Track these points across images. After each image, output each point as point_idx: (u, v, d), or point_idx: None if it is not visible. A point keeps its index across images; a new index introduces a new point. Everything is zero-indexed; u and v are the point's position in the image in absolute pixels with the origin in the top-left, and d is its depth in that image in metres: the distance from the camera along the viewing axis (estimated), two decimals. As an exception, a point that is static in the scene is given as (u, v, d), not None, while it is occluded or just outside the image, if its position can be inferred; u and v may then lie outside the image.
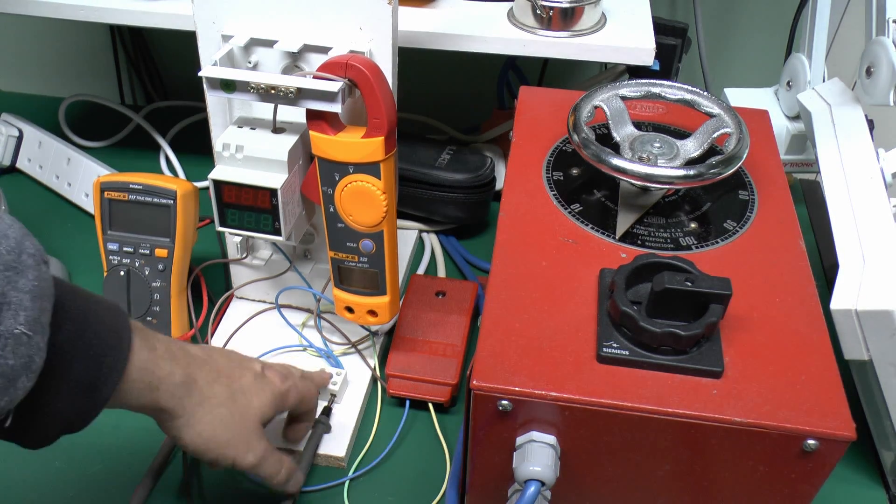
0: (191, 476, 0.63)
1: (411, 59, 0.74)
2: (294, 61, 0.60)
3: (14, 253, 0.37)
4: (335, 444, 0.65)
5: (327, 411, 0.66)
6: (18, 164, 0.94)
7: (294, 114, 0.60)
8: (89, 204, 0.88)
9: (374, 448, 0.66)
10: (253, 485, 0.63)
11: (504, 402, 0.46)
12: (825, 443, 0.43)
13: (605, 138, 0.60)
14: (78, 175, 0.89)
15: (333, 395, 0.67)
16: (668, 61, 0.85)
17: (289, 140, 0.60)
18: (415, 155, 0.86)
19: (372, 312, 0.65)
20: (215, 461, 0.52)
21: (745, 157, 0.56)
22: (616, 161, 0.54)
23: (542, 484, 0.46)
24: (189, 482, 0.63)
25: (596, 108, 0.60)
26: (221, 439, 0.51)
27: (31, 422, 0.43)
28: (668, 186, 0.57)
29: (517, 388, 0.45)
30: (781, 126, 0.88)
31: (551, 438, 0.47)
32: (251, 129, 0.61)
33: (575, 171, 0.61)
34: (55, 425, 0.44)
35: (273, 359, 0.72)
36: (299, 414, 0.61)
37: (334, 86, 0.53)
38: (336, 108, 0.54)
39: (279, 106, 0.59)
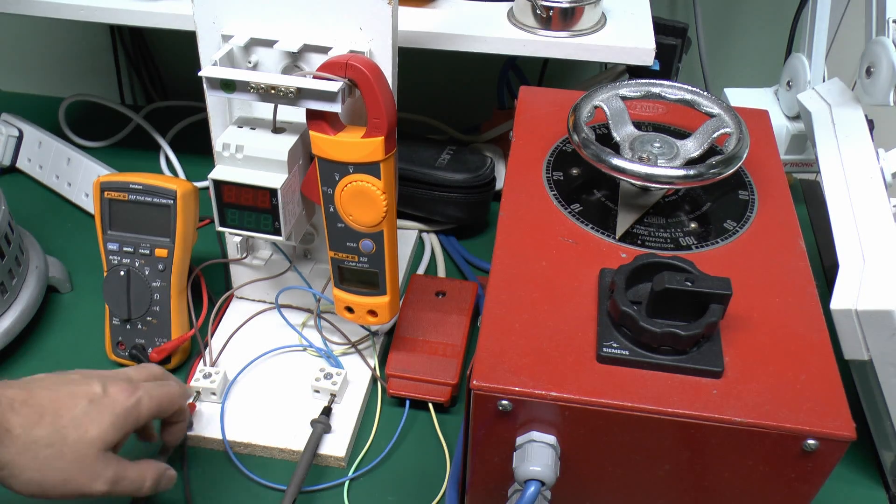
0: (189, 475, 0.63)
1: (411, 59, 0.74)
2: (294, 61, 0.60)
3: None
4: (335, 444, 0.65)
5: (327, 411, 0.66)
6: (18, 164, 0.94)
7: (294, 114, 0.60)
8: (89, 204, 0.88)
9: (374, 448, 0.66)
10: (252, 484, 0.63)
11: (504, 402, 0.46)
12: (825, 443, 0.43)
13: (605, 138, 0.60)
14: (78, 175, 0.89)
15: (333, 395, 0.67)
16: (668, 61, 0.85)
17: (289, 140, 0.60)
18: (415, 155, 0.86)
19: (372, 312, 0.65)
20: (61, 499, 0.50)
21: (745, 157, 0.55)
22: (616, 161, 0.54)
23: (542, 484, 0.46)
24: (188, 480, 0.63)
25: (596, 108, 0.60)
26: (56, 480, 0.48)
27: None
28: (668, 186, 0.57)
29: (517, 388, 0.45)
30: (781, 126, 0.88)
31: (551, 438, 0.47)
32: (251, 129, 0.61)
33: (575, 171, 0.61)
34: None
35: (273, 359, 0.72)
36: (168, 417, 0.58)
37: (334, 86, 0.53)
38: (336, 108, 0.54)
39: (279, 106, 0.59)
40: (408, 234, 0.86)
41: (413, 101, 0.93)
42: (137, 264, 0.69)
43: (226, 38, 0.59)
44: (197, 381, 0.67)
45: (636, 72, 0.84)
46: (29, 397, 0.49)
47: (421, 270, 0.83)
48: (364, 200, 0.58)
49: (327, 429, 0.65)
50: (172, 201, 0.68)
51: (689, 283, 0.45)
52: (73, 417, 0.49)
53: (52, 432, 0.48)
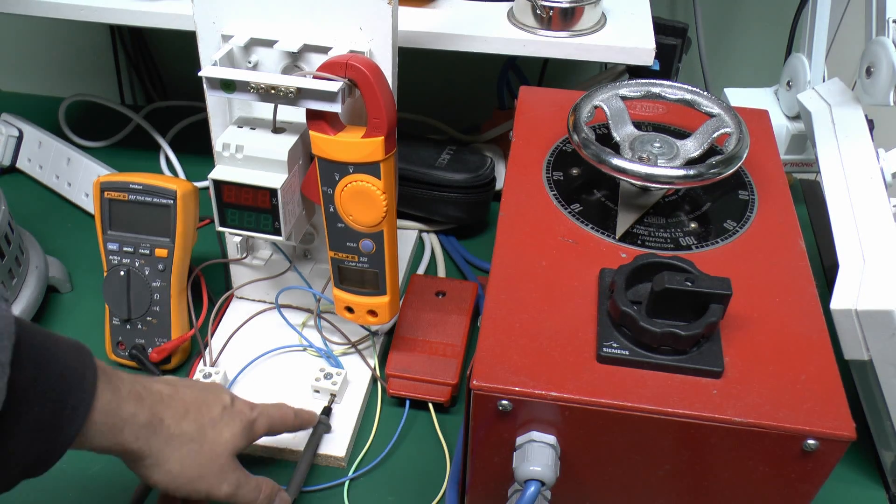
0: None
1: (411, 59, 0.74)
2: (294, 61, 0.60)
3: None
4: (335, 444, 0.65)
5: (327, 411, 0.66)
6: (18, 164, 0.95)
7: (294, 114, 0.60)
8: (89, 204, 0.88)
9: (374, 448, 0.66)
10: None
11: (504, 402, 0.46)
12: (825, 443, 0.43)
13: (605, 138, 0.60)
14: (78, 175, 0.89)
15: (333, 395, 0.67)
16: (668, 61, 0.85)
17: (289, 140, 0.60)
18: (415, 155, 0.86)
19: (372, 312, 0.65)
20: (188, 497, 0.51)
21: (745, 157, 0.56)
22: (616, 161, 0.54)
23: (542, 484, 0.46)
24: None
25: (596, 108, 0.60)
26: (192, 475, 0.50)
27: None
28: (668, 186, 0.57)
29: (517, 388, 0.45)
30: (781, 126, 0.88)
31: (551, 438, 0.47)
32: (251, 129, 0.61)
33: (575, 171, 0.61)
34: (13, 469, 0.42)
35: (273, 359, 0.72)
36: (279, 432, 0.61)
37: (334, 86, 0.53)
38: (336, 108, 0.54)
39: (279, 106, 0.59)
40: (408, 234, 0.86)
41: (413, 101, 0.93)
42: (137, 264, 0.69)
43: (226, 38, 0.59)
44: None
45: (636, 72, 0.84)
46: (175, 394, 0.51)
47: (421, 270, 0.83)
48: (364, 200, 0.58)
49: (327, 429, 0.65)
50: (172, 201, 0.68)
51: (689, 283, 0.45)
52: (211, 418, 0.52)
53: (196, 428, 0.51)
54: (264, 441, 0.64)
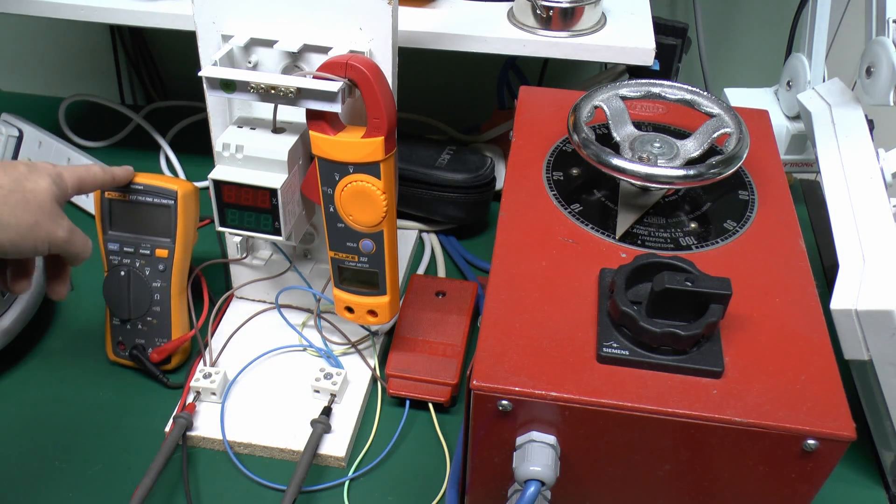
0: (189, 475, 0.63)
1: (411, 59, 0.74)
2: (294, 61, 0.60)
3: None
4: (335, 444, 0.65)
5: (327, 411, 0.66)
6: (18, 164, 0.94)
7: (294, 114, 0.60)
8: (89, 204, 0.88)
9: (374, 448, 0.66)
10: (252, 484, 0.63)
11: (504, 402, 0.46)
12: (825, 443, 0.43)
13: (605, 138, 0.60)
14: (78, 175, 0.89)
15: (333, 395, 0.67)
16: (668, 61, 0.85)
17: (289, 140, 0.60)
18: (415, 155, 0.86)
19: (372, 312, 0.65)
20: (34, 249, 0.54)
21: (745, 157, 0.56)
22: (616, 161, 0.54)
23: (542, 484, 0.46)
24: (188, 480, 0.63)
25: (596, 108, 0.60)
26: (29, 222, 0.53)
27: None
28: (668, 186, 0.57)
29: (517, 388, 0.45)
30: (781, 126, 0.88)
31: (551, 438, 0.47)
32: (251, 129, 0.61)
33: (575, 171, 0.61)
34: None
35: (273, 358, 0.72)
36: (87, 184, 0.62)
37: (334, 86, 0.53)
38: (336, 108, 0.54)
39: (279, 106, 0.59)
40: (408, 234, 0.86)
41: (413, 101, 0.93)
42: (138, 264, 0.69)
43: (226, 38, 0.59)
44: (197, 381, 0.67)
45: (636, 72, 0.84)
46: None
47: (421, 270, 0.83)
48: (364, 200, 0.58)
49: (327, 429, 0.65)
50: (173, 201, 0.68)
51: (689, 283, 0.45)
52: (20, 172, 0.55)
53: (11, 181, 0.54)
54: (264, 441, 0.65)
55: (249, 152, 0.59)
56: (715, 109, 0.59)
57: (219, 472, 0.64)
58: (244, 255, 0.73)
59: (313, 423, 0.65)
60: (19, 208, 0.53)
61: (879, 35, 0.69)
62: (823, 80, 0.82)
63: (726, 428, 0.44)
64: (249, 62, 0.60)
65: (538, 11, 0.75)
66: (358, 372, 0.71)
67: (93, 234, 0.71)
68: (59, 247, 0.56)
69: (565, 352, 0.47)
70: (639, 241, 0.55)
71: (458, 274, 0.84)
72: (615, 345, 0.47)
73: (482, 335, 0.48)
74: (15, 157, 0.94)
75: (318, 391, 0.68)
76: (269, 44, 0.58)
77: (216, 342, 0.72)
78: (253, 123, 0.61)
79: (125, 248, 0.69)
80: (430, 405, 0.68)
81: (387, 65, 0.58)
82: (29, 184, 0.54)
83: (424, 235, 0.88)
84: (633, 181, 0.55)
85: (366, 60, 0.54)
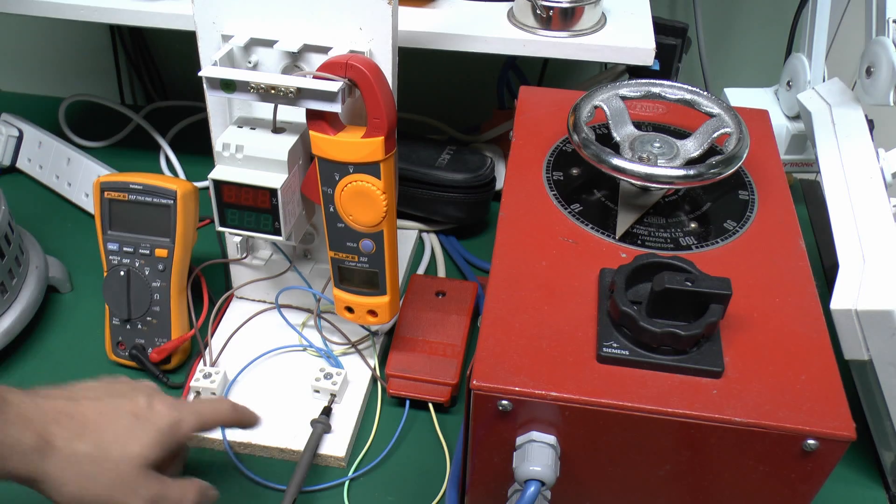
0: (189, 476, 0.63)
1: (411, 59, 0.74)
2: (294, 61, 0.60)
3: None
4: (335, 444, 0.65)
5: (327, 411, 0.66)
6: (18, 164, 0.94)
7: (294, 114, 0.60)
8: (89, 204, 0.88)
9: (374, 448, 0.66)
10: (252, 484, 0.63)
11: (504, 402, 0.46)
12: (825, 443, 0.43)
13: (605, 138, 0.60)
14: (78, 175, 0.89)
15: (333, 395, 0.67)
16: (668, 61, 0.85)
17: (289, 140, 0.60)
18: (415, 155, 0.86)
19: (372, 312, 0.65)
20: None
21: (745, 157, 0.55)
22: (616, 161, 0.54)
23: (542, 484, 0.46)
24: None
25: (596, 108, 0.60)
26: (96, 493, 0.48)
27: None
28: (668, 186, 0.57)
29: (517, 388, 0.45)
30: (781, 126, 0.88)
31: (551, 438, 0.47)
32: (251, 129, 0.61)
33: (575, 171, 0.61)
34: None
35: (273, 358, 0.72)
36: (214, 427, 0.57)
37: (334, 86, 0.53)
38: (336, 108, 0.54)
39: (279, 106, 0.59)
40: (408, 234, 0.86)
41: (413, 101, 0.93)
42: (137, 264, 0.69)
43: (226, 38, 0.59)
44: (197, 381, 0.67)
45: (636, 72, 0.84)
46: (74, 411, 0.48)
47: (421, 270, 0.83)
48: (364, 200, 0.58)
49: (327, 429, 0.65)
50: (172, 201, 0.68)
51: (689, 283, 0.45)
52: (115, 433, 0.49)
53: (94, 448, 0.48)
54: (264, 441, 0.65)
55: (249, 152, 0.59)
56: (715, 109, 0.59)
57: (219, 471, 0.64)
58: (244, 255, 0.73)
59: (313, 423, 0.65)
60: (89, 480, 0.47)
61: (879, 35, 0.69)
62: (823, 80, 0.82)
63: (726, 428, 0.44)
64: (249, 62, 0.60)
65: (538, 11, 0.75)
66: (358, 372, 0.71)
67: (93, 234, 0.71)
68: None
69: (565, 352, 0.47)
70: (639, 241, 0.55)
71: (458, 274, 0.84)
72: (615, 345, 0.47)
73: (482, 335, 0.48)
74: (15, 157, 0.94)
75: (318, 391, 0.68)
76: (269, 44, 0.58)
77: (216, 342, 0.72)
78: (253, 123, 0.61)
79: (125, 248, 0.69)
80: (430, 405, 0.68)
81: (387, 65, 0.58)
82: (116, 450, 0.48)
83: (424, 235, 0.88)
84: (633, 181, 0.55)
85: (366, 60, 0.54)
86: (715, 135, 0.58)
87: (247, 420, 0.59)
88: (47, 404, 0.47)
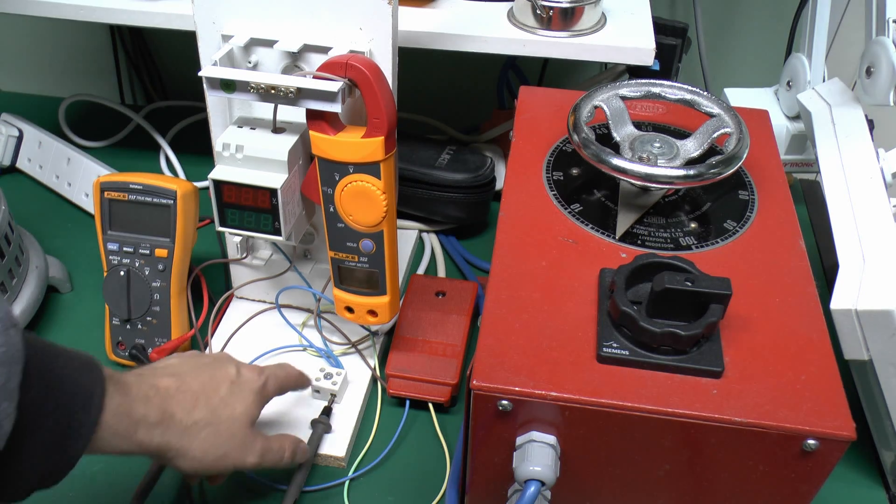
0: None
1: (411, 59, 0.74)
2: (294, 61, 0.60)
3: None
4: (335, 444, 0.65)
5: (327, 411, 0.66)
6: (18, 164, 0.94)
7: (294, 114, 0.60)
8: (89, 204, 0.88)
9: (374, 448, 0.66)
10: (253, 480, 0.63)
11: (504, 402, 0.46)
12: (825, 443, 0.43)
13: (605, 138, 0.60)
14: (78, 175, 0.89)
15: (333, 395, 0.67)
16: (668, 61, 0.85)
17: (289, 140, 0.60)
18: (415, 155, 0.86)
19: (372, 312, 0.65)
20: (218, 475, 0.54)
21: (745, 157, 0.56)
22: (616, 161, 0.54)
23: (542, 484, 0.46)
24: (189, 482, 0.63)
25: (596, 108, 0.60)
26: (217, 455, 0.53)
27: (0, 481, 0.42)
28: (668, 186, 0.57)
29: (517, 388, 0.45)
30: (781, 126, 0.88)
31: (551, 438, 0.47)
32: (251, 129, 0.61)
33: (575, 171, 0.61)
34: (26, 483, 0.43)
35: (273, 358, 0.72)
36: (286, 390, 0.62)
37: (334, 86, 0.53)
38: (336, 108, 0.54)
39: (279, 106, 0.59)
40: (408, 234, 0.86)
41: (413, 101, 0.93)
42: (137, 264, 0.69)
43: (226, 38, 0.59)
44: (197, 381, 0.67)
45: (636, 72, 0.84)
46: (181, 385, 0.52)
47: (421, 270, 0.83)
48: (364, 200, 0.58)
49: (327, 429, 0.65)
50: (172, 201, 0.68)
51: (689, 283, 0.45)
52: (220, 398, 0.54)
53: (207, 413, 0.53)
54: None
55: (249, 152, 0.59)
56: (715, 109, 0.59)
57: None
58: (244, 255, 0.73)
59: (313, 423, 0.65)
60: (208, 443, 0.52)
61: (879, 35, 0.69)
62: (823, 80, 0.82)
63: (726, 428, 0.44)
64: (249, 62, 0.60)
65: (538, 11, 0.75)
66: (358, 372, 0.71)
67: (93, 234, 0.71)
68: (249, 469, 0.56)
69: (565, 352, 0.47)
70: (639, 241, 0.55)
71: (458, 274, 0.84)
72: (615, 345, 0.47)
73: (482, 335, 0.48)
74: (15, 157, 0.94)
75: (318, 391, 0.68)
76: (269, 44, 0.58)
77: (216, 342, 0.72)
78: (253, 123, 0.61)
79: (125, 248, 0.69)
80: (430, 405, 0.68)
81: (387, 65, 0.58)
82: (226, 411, 0.54)
83: (424, 235, 0.88)
84: (633, 181, 0.55)
85: (366, 60, 0.54)
86: (715, 135, 0.58)
87: (304, 383, 0.64)
88: (160, 382, 0.51)
